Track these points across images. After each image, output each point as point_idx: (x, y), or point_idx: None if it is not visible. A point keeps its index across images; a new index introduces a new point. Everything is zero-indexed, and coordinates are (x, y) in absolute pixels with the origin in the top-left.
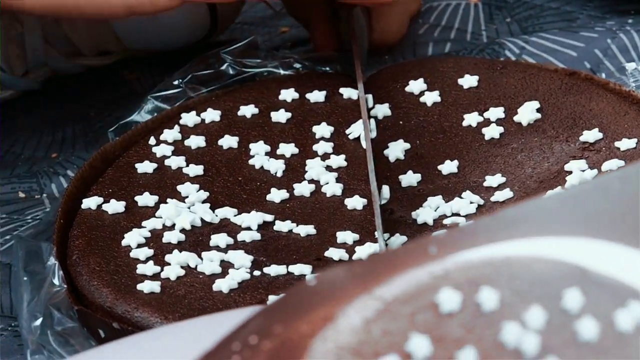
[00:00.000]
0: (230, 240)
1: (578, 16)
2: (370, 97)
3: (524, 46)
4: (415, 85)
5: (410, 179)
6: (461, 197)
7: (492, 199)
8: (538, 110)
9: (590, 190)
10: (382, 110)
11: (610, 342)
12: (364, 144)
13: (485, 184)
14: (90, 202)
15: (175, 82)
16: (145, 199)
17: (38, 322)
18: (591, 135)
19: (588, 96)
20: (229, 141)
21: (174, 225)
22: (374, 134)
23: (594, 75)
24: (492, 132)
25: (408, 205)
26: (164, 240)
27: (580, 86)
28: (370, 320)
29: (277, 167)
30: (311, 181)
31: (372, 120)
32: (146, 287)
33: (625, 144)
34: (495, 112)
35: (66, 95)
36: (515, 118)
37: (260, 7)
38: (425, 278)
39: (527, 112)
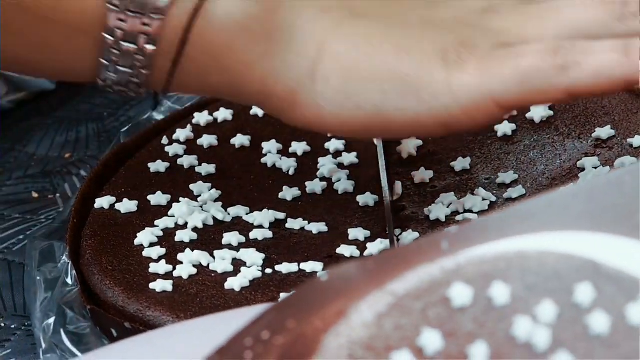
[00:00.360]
0: (242, 239)
1: None
2: None
3: None
4: None
5: (422, 175)
6: (473, 194)
7: (505, 195)
8: (550, 107)
9: (603, 186)
10: None
11: (622, 336)
12: (375, 140)
13: (497, 180)
14: (103, 202)
15: None
16: (158, 198)
17: (51, 320)
18: (603, 132)
19: None
20: (241, 140)
21: (186, 224)
22: None
23: None
24: (504, 128)
25: (420, 202)
26: (176, 239)
27: None
28: (382, 315)
29: (289, 165)
30: (323, 179)
31: None
32: (158, 286)
33: (638, 140)
34: None
35: (79, 96)
36: (528, 115)
37: None
38: (437, 273)
39: (540, 109)
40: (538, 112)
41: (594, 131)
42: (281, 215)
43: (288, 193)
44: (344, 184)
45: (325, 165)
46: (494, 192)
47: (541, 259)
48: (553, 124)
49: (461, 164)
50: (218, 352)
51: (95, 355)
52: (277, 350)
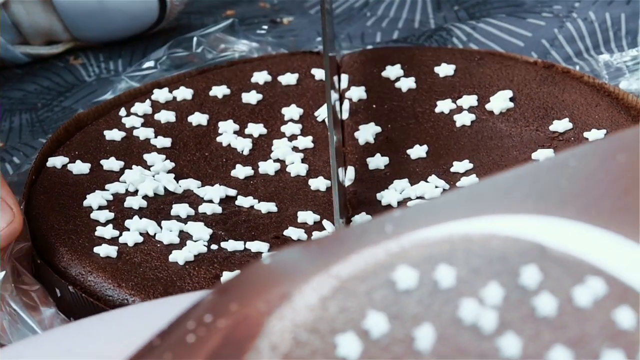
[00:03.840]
0: (191, 211)
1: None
2: (346, 77)
3: (470, 33)
4: (392, 71)
5: (377, 161)
6: (427, 181)
7: (458, 184)
8: (511, 100)
9: (547, 169)
10: (358, 93)
11: (569, 317)
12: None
13: (452, 169)
14: (55, 161)
15: (150, 64)
16: (111, 164)
17: (0, 275)
18: (561, 125)
19: (562, 87)
20: (198, 118)
21: (137, 191)
22: (346, 116)
23: (570, 68)
24: (464, 119)
25: (373, 188)
26: (126, 204)
27: (555, 78)
28: (327, 298)
29: (244, 145)
30: (277, 160)
31: (347, 102)
32: (102, 250)
33: (594, 134)
34: (468, 100)
35: (12, 84)
36: (488, 106)
37: None
38: (382, 256)
39: (500, 101)
40: (498, 104)
41: (552, 124)
42: (232, 192)
43: (241, 171)
44: (297, 167)
45: (280, 147)
46: (448, 180)
47: (485, 242)
48: (512, 116)
49: (417, 151)
50: (160, 336)
51: (25, 343)
52: (220, 332)
